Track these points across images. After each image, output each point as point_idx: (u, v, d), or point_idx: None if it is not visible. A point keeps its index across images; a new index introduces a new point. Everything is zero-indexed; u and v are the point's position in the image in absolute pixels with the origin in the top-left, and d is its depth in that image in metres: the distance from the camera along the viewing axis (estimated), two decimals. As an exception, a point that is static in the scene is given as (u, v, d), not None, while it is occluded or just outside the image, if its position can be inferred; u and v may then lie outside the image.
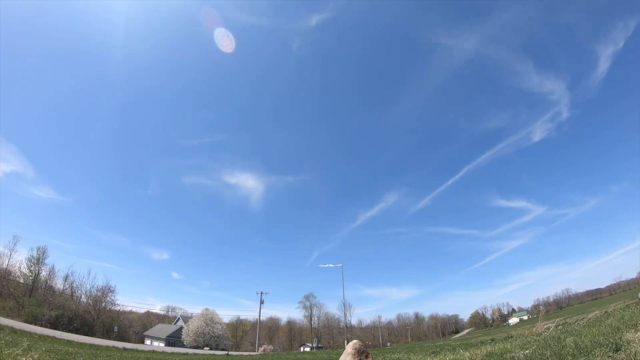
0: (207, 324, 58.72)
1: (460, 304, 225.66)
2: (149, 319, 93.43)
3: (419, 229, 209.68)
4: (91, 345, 23.99)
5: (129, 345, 31.20)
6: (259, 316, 68.10)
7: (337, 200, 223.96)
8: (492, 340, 22.63)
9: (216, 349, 57.00)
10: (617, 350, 6.74)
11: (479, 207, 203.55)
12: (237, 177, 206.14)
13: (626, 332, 7.95)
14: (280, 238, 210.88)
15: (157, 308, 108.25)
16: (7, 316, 40.91)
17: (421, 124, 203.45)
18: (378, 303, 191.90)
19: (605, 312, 21.22)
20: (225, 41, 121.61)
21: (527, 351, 8.45)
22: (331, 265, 59.10)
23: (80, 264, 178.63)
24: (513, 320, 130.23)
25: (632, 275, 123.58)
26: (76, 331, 45.11)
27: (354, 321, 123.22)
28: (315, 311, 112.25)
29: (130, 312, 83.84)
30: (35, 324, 38.87)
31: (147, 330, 79.96)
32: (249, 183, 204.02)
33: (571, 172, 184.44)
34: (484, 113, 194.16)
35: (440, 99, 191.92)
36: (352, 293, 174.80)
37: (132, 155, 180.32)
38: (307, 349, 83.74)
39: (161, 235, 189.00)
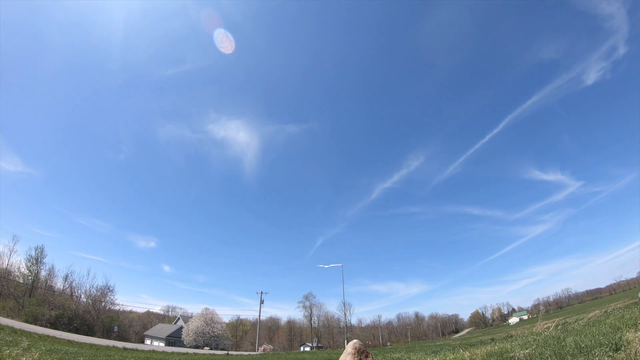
0: (207, 324, 58.72)
1: (467, 301, 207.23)
2: (149, 319, 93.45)
3: (438, 207, 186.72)
4: (91, 345, 23.98)
5: (129, 345, 31.18)
6: (259, 316, 68.16)
7: (350, 162, 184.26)
8: (492, 339, 22.64)
9: (216, 348, 57.02)
10: (617, 349, 6.74)
11: (510, 180, 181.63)
12: (225, 128, 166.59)
13: (626, 331, 7.94)
14: (280, 219, 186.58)
15: (157, 308, 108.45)
16: (7, 316, 40.93)
17: (461, 47, 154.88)
18: (384, 300, 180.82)
19: (605, 312, 21.22)
20: (224, 42, 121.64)
21: (527, 351, 8.44)
22: (332, 265, 59.14)
23: (65, 257, 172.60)
24: (513, 320, 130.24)
25: (632, 275, 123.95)
26: (76, 331, 45.10)
27: (354, 321, 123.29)
28: (315, 311, 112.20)
29: (130, 312, 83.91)
30: (35, 324, 38.87)
31: (147, 330, 79.96)
32: (240, 137, 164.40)
33: (617, 134, 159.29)
34: (539, 36, 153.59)
35: (487, 9, 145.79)
36: (356, 289, 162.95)
37: (95, 98, 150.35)
38: (307, 349, 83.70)
39: (144, 219, 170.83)
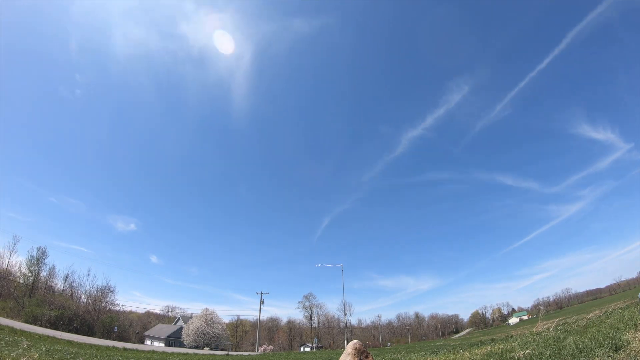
0: (207, 324, 58.73)
1: (475, 299, 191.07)
2: (149, 319, 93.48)
3: (468, 173, 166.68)
4: (91, 346, 23.96)
5: (129, 345, 31.16)
6: (259, 316, 68.16)
7: (374, 94, 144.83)
8: (492, 340, 22.63)
9: (216, 349, 57.01)
10: (617, 350, 6.74)
11: (556, 134, 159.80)
12: (205, 31, 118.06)
13: (626, 332, 7.94)
14: (280, 192, 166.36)
15: (157, 308, 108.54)
16: (7, 316, 40.91)
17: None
18: (391, 297, 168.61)
19: (605, 312, 21.22)
20: (224, 43, 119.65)
21: (527, 351, 8.45)
22: (332, 265, 59.07)
23: (42, 243, 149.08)
24: (513, 320, 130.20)
25: (632, 275, 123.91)
26: (76, 331, 45.08)
27: (354, 321, 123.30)
28: (315, 311, 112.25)
29: (130, 312, 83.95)
30: (35, 324, 38.86)
31: (147, 330, 79.95)
32: (224, 43, 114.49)
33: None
34: None
35: None
36: (363, 284, 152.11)
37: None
38: (307, 349, 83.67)
39: (120, 192, 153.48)
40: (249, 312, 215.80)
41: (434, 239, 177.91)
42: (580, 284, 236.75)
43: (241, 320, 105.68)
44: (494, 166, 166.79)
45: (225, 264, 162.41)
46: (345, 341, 55.78)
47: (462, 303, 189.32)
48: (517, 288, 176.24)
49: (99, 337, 46.16)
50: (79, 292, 67.22)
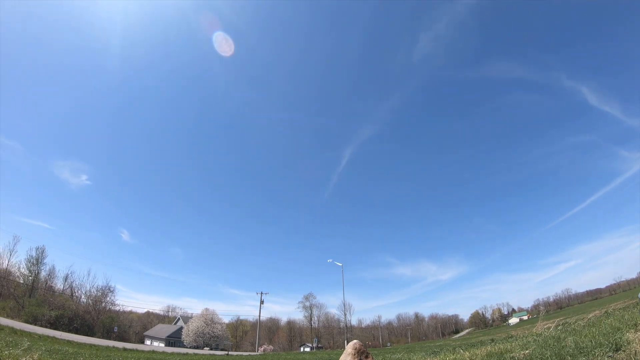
0: (207, 324, 58.75)
1: (492, 293, 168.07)
2: (149, 319, 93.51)
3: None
4: (91, 346, 23.97)
5: (129, 346, 31.17)
6: (259, 316, 68.16)
7: None
8: (492, 340, 22.62)
9: (216, 349, 57.00)
10: (617, 350, 6.74)
11: None
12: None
13: (626, 332, 7.94)
14: (280, 116, 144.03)
15: (157, 308, 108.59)
16: (7, 316, 40.91)
17: None
18: (407, 290, 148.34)
19: (605, 312, 21.22)
20: (223, 45, 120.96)
21: (527, 351, 8.45)
22: (332, 263, 58.82)
23: None
24: (513, 321, 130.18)
25: (632, 275, 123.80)
26: (76, 331, 45.09)
27: (354, 321, 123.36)
28: (315, 311, 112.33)
29: (130, 313, 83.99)
30: (35, 324, 38.86)
31: (147, 330, 79.96)
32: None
33: None
34: None
35: None
36: (377, 273, 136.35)
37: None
38: (307, 349, 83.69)
39: (62, 131, 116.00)
40: (246, 307, 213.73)
41: (473, 203, 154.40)
42: (580, 284, 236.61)
43: (241, 320, 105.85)
44: (573, 67, 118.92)
45: (214, 247, 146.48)
46: (345, 341, 55.78)
47: (462, 303, 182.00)
48: (539, 280, 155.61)
49: (99, 337, 46.16)
50: (79, 292, 67.34)
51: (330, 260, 53.96)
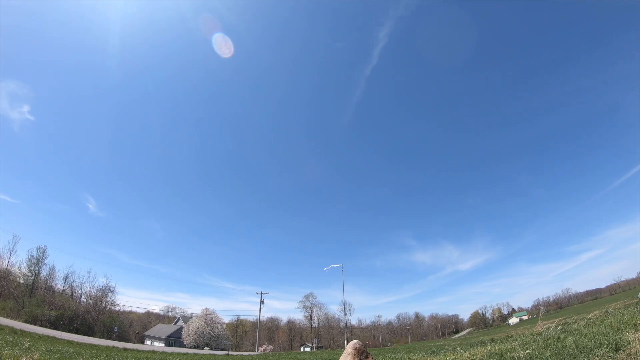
0: (207, 324, 58.73)
1: (506, 288, 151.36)
2: (149, 319, 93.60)
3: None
4: (91, 346, 23.98)
5: (129, 346, 31.19)
6: (259, 316, 68.15)
7: None
8: (492, 340, 22.64)
9: (216, 349, 56.99)
10: (617, 350, 6.74)
11: None
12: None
13: (626, 332, 7.94)
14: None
15: (157, 308, 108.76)
16: (7, 316, 40.91)
17: None
18: (421, 283, 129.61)
19: (605, 312, 21.21)
20: (223, 46, 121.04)
21: (527, 351, 8.45)
22: (332, 266, 58.90)
23: None
24: (513, 320, 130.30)
25: (632, 275, 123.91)
26: (76, 331, 45.12)
27: (354, 321, 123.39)
28: (315, 311, 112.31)
29: (130, 313, 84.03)
30: (35, 324, 38.88)
31: (147, 330, 79.98)
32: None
33: None
34: None
35: None
36: (395, 258, 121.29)
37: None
38: (307, 349, 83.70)
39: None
40: (245, 305, 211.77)
41: (521, 154, 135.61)
42: (581, 284, 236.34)
43: (241, 320, 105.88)
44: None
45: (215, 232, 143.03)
46: (345, 341, 55.78)
47: (463, 302, 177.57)
48: (561, 271, 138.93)
49: (99, 337, 46.17)
50: (79, 292, 67.30)
51: (327, 268, 53.14)
